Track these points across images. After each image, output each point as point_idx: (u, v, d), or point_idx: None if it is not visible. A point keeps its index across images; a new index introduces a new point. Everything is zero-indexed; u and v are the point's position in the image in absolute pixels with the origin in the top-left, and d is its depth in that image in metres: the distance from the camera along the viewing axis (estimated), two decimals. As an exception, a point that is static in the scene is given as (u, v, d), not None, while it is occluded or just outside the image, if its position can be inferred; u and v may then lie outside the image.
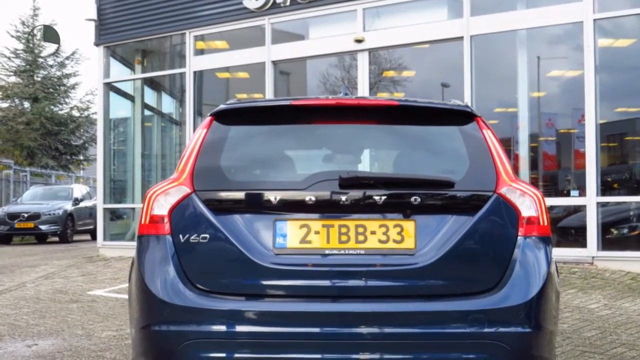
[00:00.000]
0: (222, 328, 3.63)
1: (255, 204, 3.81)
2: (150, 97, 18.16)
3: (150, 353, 3.78)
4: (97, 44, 17.20)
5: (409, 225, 3.77)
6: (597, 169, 11.49)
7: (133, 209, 17.25)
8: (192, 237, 3.78)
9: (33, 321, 8.57)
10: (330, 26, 14.52)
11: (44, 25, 33.97)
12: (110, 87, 17.47)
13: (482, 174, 3.89)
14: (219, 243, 3.76)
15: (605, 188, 11.96)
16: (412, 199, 3.77)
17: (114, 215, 17.80)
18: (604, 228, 11.59)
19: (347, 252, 3.73)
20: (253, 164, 4.09)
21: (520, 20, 12.66)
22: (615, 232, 11.97)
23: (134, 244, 4.04)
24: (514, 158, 12.93)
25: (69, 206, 25.38)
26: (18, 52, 40.15)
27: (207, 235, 3.78)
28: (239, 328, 3.63)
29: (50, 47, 37.83)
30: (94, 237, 23.92)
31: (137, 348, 3.86)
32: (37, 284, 12.11)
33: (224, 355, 3.63)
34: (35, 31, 39.45)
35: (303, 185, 3.81)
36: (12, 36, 40.43)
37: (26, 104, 39.77)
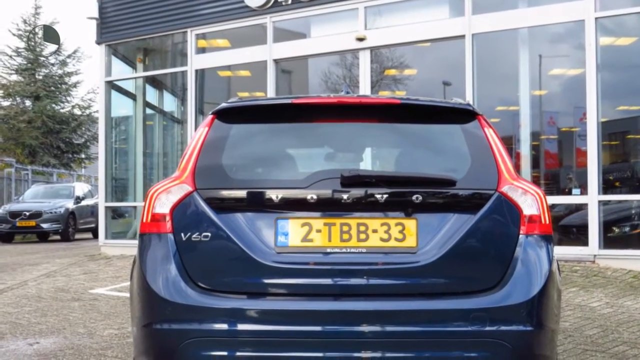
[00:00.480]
0: (224, 326, 3.64)
1: (257, 203, 3.81)
2: (151, 95, 18.16)
3: (151, 351, 3.78)
4: (98, 42, 17.20)
5: (410, 224, 3.77)
6: (599, 167, 11.49)
7: (135, 207, 17.26)
8: (194, 236, 3.78)
9: (35, 319, 8.58)
10: (331, 24, 14.52)
11: (44, 25, 34.01)
12: (111, 86, 17.47)
13: (483, 172, 3.89)
14: (220, 241, 3.76)
15: (607, 186, 11.96)
16: (414, 197, 3.77)
17: (115, 214, 17.81)
18: (606, 226, 11.59)
19: (348, 250, 3.73)
20: (255, 163, 4.09)
21: (522, 18, 12.65)
22: (616, 230, 11.97)
23: (136, 242, 4.04)
24: (515, 156, 12.93)
25: (70, 204, 25.40)
26: (20, 50, 40.15)
27: (209, 234, 3.78)
28: (241, 326, 3.64)
29: (51, 46, 37.85)
30: (95, 236, 23.98)
31: (139, 346, 3.87)
32: (39, 282, 12.12)
33: (225, 353, 3.63)
34: (36, 30, 39.45)
35: (305, 183, 3.81)
36: (14, 34, 40.44)
37: (28, 103, 39.75)
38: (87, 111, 41.34)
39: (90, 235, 26.57)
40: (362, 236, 3.75)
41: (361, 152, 4.63)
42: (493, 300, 3.66)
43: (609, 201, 11.88)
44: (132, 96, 17.87)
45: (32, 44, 39.98)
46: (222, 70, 16.64)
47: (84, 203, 26.31)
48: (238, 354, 3.63)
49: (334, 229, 3.76)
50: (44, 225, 24.45)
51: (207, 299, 3.68)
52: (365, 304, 3.64)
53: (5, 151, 37.14)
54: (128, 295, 4.29)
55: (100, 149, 17.62)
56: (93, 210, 25.18)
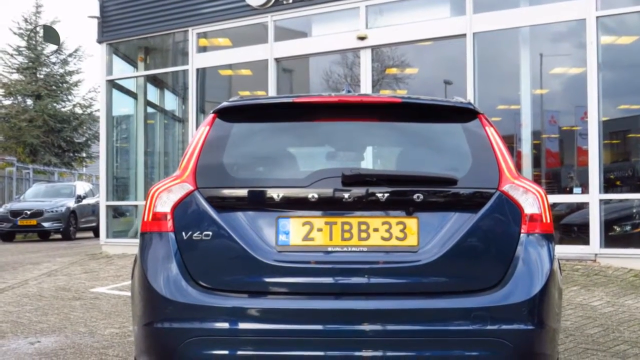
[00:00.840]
0: (225, 325, 3.64)
1: (258, 202, 3.81)
2: (153, 94, 18.16)
3: (153, 350, 3.78)
4: (99, 41, 17.21)
5: (411, 223, 3.77)
6: (600, 166, 11.49)
7: (136, 206, 17.26)
8: (195, 235, 3.78)
9: (36, 318, 8.58)
10: (333, 23, 14.52)
11: (44, 25, 33.97)
12: (113, 85, 17.47)
13: (484, 171, 3.89)
14: (221, 240, 3.77)
15: (608, 185, 11.95)
16: (415, 196, 3.77)
17: (116, 213, 17.82)
18: (607, 225, 11.58)
19: (349, 249, 3.73)
20: (256, 162, 4.09)
21: (523, 17, 12.65)
22: (618, 229, 11.97)
23: (137, 241, 4.04)
24: (516, 155, 12.92)
25: (71, 203, 25.41)
26: (21, 49, 40.15)
27: (210, 233, 3.78)
28: (242, 325, 3.64)
29: (51, 46, 37.83)
30: (96, 235, 24.00)
31: (140, 345, 3.87)
32: (40, 281, 12.12)
33: (226, 352, 3.63)
34: (37, 29, 39.43)
35: (306, 182, 3.80)
36: (15, 33, 40.46)
37: (29, 101, 39.77)
38: (88, 110, 41.39)
39: (91, 234, 26.57)
40: (363, 235, 3.75)
41: (362, 151, 4.63)
42: (494, 299, 3.66)
43: (610, 200, 11.88)
44: (133, 95, 17.87)
45: (34, 42, 39.99)
46: (223, 69, 16.64)
47: (85, 202, 26.32)
48: (239, 352, 3.63)
49: (335, 228, 3.76)
50: (45, 224, 24.47)
51: (208, 298, 3.68)
52: (366, 303, 3.64)
53: (7, 150, 37.17)
54: (129, 294, 4.30)
55: (101, 147, 17.63)
56: (94, 209, 25.22)
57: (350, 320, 3.60)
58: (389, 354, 3.60)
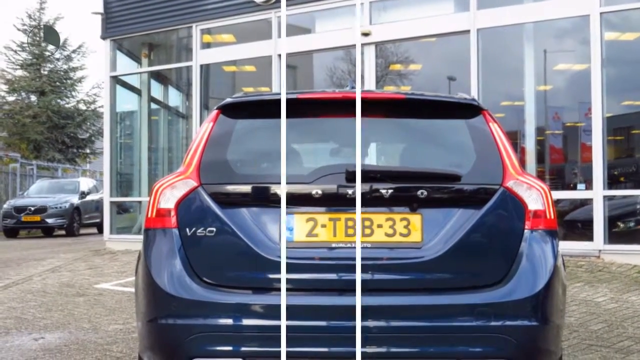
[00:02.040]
0: (229, 321, 3.64)
1: (261, 198, 3.82)
2: (156, 90, 18.18)
3: (156, 346, 3.79)
4: (103, 37, 17.21)
5: (415, 219, 3.77)
6: (604, 162, 11.47)
7: (140, 202, 17.28)
8: (199, 231, 3.79)
9: (40, 314, 8.59)
10: (336, 19, 14.51)
11: (45, 25, 33.89)
12: (116, 81, 17.48)
13: (488, 167, 3.89)
14: (225, 236, 3.77)
15: (612, 181, 11.94)
16: (419, 192, 3.77)
17: (120, 209, 17.84)
18: (611, 221, 11.57)
19: (353, 245, 3.72)
20: (260, 158, 4.10)
21: (527, 13, 12.63)
22: (621, 225, 11.95)
23: (141, 237, 4.05)
24: (520, 151, 12.90)
25: (75, 199, 25.44)
26: (24, 45, 40.13)
27: (214, 229, 3.78)
28: (246, 321, 3.64)
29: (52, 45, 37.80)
30: (100, 231, 23.96)
31: (144, 341, 3.87)
32: (44, 277, 12.14)
33: (230, 348, 3.63)
34: (39, 27, 39.40)
35: (310, 178, 3.81)
36: (19, 29, 40.45)
37: (33, 98, 39.76)
38: (92, 106, 41.32)
39: (95, 230, 26.59)
40: (367, 231, 3.75)
41: (366, 148, 4.62)
42: (498, 295, 3.66)
43: (614, 196, 11.87)
44: (137, 91, 17.89)
45: (38, 39, 39.97)
46: (227, 65, 16.66)
47: (88, 198, 26.35)
48: (243, 349, 3.63)
49: (339, 224, 3.76)
50: (49, 220, 24.51)
51: (212, 294, 3.69)
52: (370, 299, 3.63)
53: (11, 146, 37.15)
54: (133, 290, 4.30)
55: (105, 144, 17.64)
56: (98, 205, 25.26)
57: (354, 317, 3.60)
58: (393, 350, 3.60)
